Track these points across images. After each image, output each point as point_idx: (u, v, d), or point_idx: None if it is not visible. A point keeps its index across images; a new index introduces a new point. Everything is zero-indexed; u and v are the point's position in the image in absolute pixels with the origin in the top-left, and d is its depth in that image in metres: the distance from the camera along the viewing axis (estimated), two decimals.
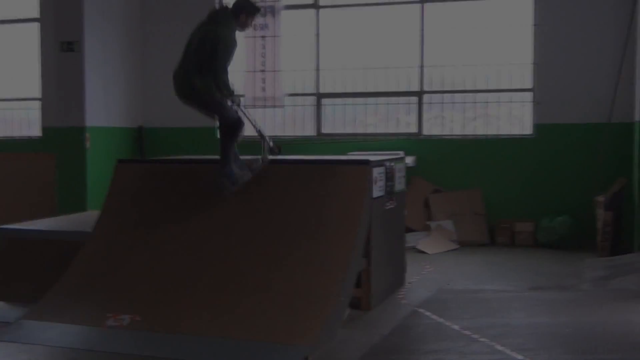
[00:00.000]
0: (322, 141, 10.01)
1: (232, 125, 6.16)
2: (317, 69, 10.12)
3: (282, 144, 9.94)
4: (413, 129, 9.81)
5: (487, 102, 9.58)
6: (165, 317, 5.24)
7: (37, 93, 11.11)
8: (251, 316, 5.12)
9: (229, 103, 6.11)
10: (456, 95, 9.65)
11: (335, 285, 5.26)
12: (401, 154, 8.49)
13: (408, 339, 5.19)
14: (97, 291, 5.69)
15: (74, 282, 5.82)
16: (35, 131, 11.32)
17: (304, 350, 4.69)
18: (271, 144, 6.45)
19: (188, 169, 6.59)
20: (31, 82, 11.17)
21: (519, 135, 9.39)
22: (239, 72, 10.33)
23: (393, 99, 9.91)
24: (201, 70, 5.86)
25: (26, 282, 6.23)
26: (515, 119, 9.53)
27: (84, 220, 7.07)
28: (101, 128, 9.95)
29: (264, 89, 10.17)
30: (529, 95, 9.36)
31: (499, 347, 4.84)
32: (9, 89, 11.44)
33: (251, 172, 6.14)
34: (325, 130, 10.19)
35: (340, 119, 10.19)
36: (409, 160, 8.87)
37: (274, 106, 10.18)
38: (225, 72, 5.91)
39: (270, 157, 6.38)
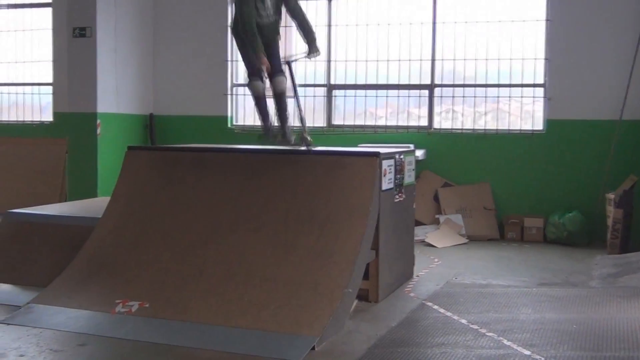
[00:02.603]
0: (333, 132, 10.01)
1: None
2: (329, 60, 10.11)
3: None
4: (424, 122, 9.79)
5: (498, 96, 9.54)
6: (173, 305, 5.26)
7: (49, 78, 11.15)
8: (258, 306, 5.14)
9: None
10: (467, 89, 9.61)
11: (343, 277, 5.27)
12: (411, 147, 8.50)
13: (415, 332, 5.20)
14: (106, 277, 5.72)
15: (83, 267, 5.86)
16: (47, 116, 11.37)
17: (311, 340, 4.71)
18: (308, 137, 6.50)
19: (198, 157, 6.59)
20: (43, 67, 11.21)
21: (530, 130, 9.35)
22: None
23: (404, 92, 9.88)
24: None
25: (35, 266, 6.27)
26: (526, 114, 9.49)
27: (94, 206, 7.10)
28: (112, 114, 9.98)
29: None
30: (540, 91, 9.31)
31: (506, 342, 4.84)
32: (22, 74, 11.48)
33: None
34: (336, 121, 10.18)
35: (351, 111, 10.17)
36: (419, 153, 8.87)
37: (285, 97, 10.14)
38: (243, 19, 6.10)
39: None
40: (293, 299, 5.13)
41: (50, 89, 11.20)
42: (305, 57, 6.41)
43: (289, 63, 6.41)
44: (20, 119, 11.57)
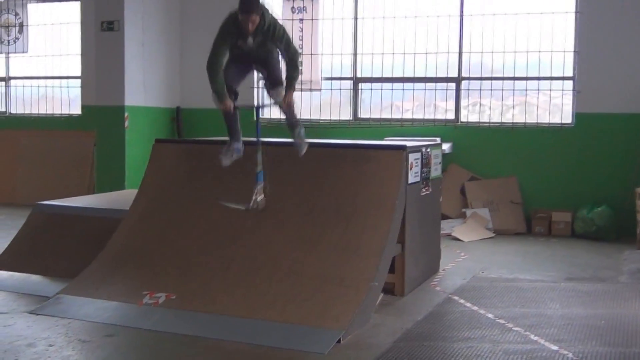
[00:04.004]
0: (359, 126, 9.98)
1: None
2: (355, 53, 10.08)
3: (319, 128, 10.00)
4: (450, 115, 9.72)
5: (526, 89, 9.44)
6: (199, 297, 5.29)
7: (78, 71, 11.26)
8: (284, 299, 5.15)
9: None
10: (495, 82, 9.52)
11: (368, 271, 5.26)
12: (438, 140, 8.45)
13: (441, 326, 5.18)
14: (133, 269, 5.77)
15: (110, 259, 5.91)
16: (76, 109, 11.48)
17: (337, 334, 4.71)
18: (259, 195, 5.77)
19: None
20: (72, 61, 11.32)
21: (559, 124, 9.24)
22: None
23: (431, 85, 9.83)
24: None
25: (64, 257, 6.35)
26: (555, 107, 9.38)
27: (122, 198, 7.16)
28: (139, 107, 10.05)
29: (301, 72, 10.12)
30: (569, 84, 9.20)
31: (533, 337, 4.80)
32: (51, 67, 11.60)
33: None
34: (362, 115, 10.16)
35: (377, 104, 10.14)
36: (446, 146, 8.82)
37: (311, 90, 10.16)
38: (210, 60, 5.53)
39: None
40: (319, 293, 5.14)
41: (78, 82, 11.31)
42: (274, 102, 5.93)
43: (256, 108, 6.07)
44: (49, 111, 11.69)
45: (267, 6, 5.54)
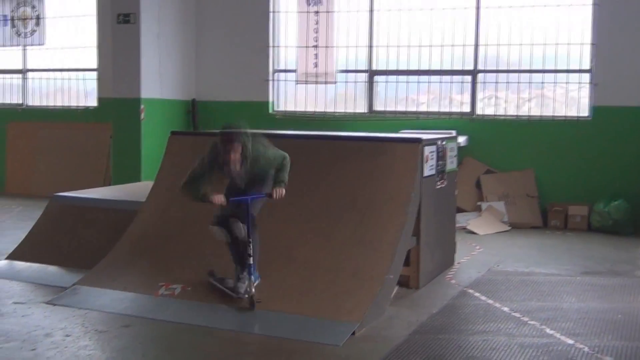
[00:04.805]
0: (374, 118, 9.96)
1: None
2: (370, 46, 10.05)
3: (334, 121, 10.00)
4: (466, 108, 9.68)
5: (543, 82, 9.38)
6: (214, 289, 5.31)
7: (94, 64, 11.31)
8: (299, 291, 5.17)
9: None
10: (511, 75, 9.47)
11: (383, 263, 5.26)
12: (453, 133, 8.42)
13: (456, 319, 5.17)
14: (149, 260, 5.81)
15: (127, 250, 5.95)
16: (92, 101, 11.54)
17: (352, 326, 4.72)
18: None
19: None
20: (88, 53, 11.37)
21: (575, 117, 9.18)
22: (292, 48, 10.36)
23: (446, 78, 9.79)
24: None
25: (81, 248, 6.40)
26: (571, 100, 9.32)
27: (138, 190, 7.20)
28: (155, 100, 10.09)
29: (316, 65, 10.15)
30: (586, 77, 9.13)
31: (549, 331, 4.79)
32: (67, 60, 11.66)
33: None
34: (377, 107, 10.13)
35: (393, 97, 10.11)
36: (461, 139, 8.78)
37: (326, 82, 10.15)
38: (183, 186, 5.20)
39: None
40: (334, 285, 5.15)
41: (94, 74, 11.36)
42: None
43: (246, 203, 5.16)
44: (66, 104, 11.76)
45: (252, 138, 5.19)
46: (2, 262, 6.54)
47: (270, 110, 10.54)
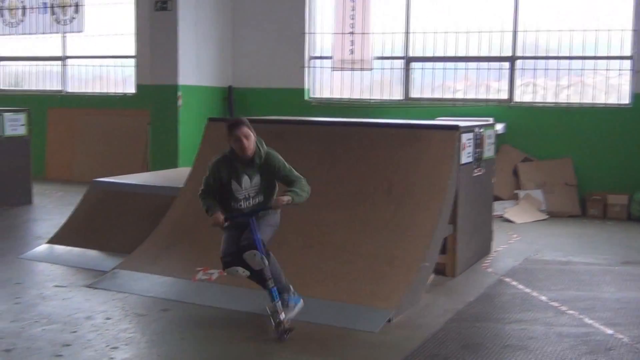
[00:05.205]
0: (410, 105, 9.91)
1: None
2: (407, 32, 9.99)
3: (369, 108, 9.98)
4: (504, 95, 9.58)
5: (582, 69, 9.24)
6: None
7: (132, 51, 11.42)
8: (335, 277, 5.18)
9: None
10: (550, 61, 9.34)
11: (419, 251, 5.25)
12: (491, 120, 8.34)
13: (493, 307, 5.14)
14: (187, 245, 5.87)
15: (165, 235, 6.02)
16: (130, 88, 11.67)
17: (387, 313, 4.72)
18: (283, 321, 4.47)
19: (276, 129, 6.64)
20: (126, 41, 11.49)
21: (616, 104, 9.03)
22: (328, 34, 10.34)
23: (484, 64, 9.69)
24: None
25: (120, 233, 6.48)
26: (611, 87, 9.16)
27: (176, 176, 7.27)
28: (192, 87, 10.16)
29: (352, 52, 10.12)
30: (627, 63, 8.97)
31: (587, 321, 4.74)
32: (106, 47, 11.79)
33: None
34: (413, 94, 10.08)
35: (429, 84, 10.05)
36: (499, 127, 8.70)
37: (362, 69, 10.12)
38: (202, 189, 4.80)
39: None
40: (369, 272, 5.15)
41: (132, 61, 11.47)
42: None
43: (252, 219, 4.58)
44: (104, 90, 11.91)
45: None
46: (43, 246, 6.67)
47: (306, 97, 10.55)
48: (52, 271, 5.97)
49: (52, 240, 6.72)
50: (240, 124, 4.62)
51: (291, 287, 4.72)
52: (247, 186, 4.64)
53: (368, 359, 4.15)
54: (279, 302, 4.49)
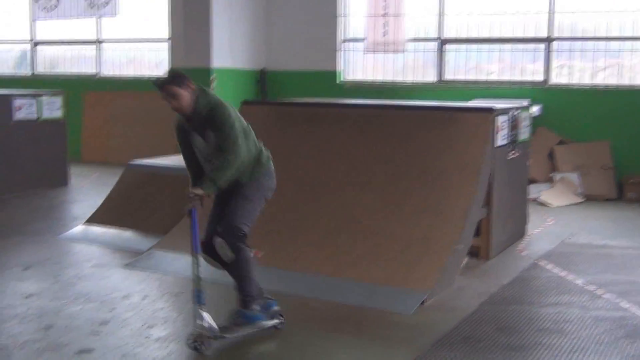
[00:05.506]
0: (443, 87, 9.84)
1: None
2: (441, 14, 9.89)
3: (403, 90, 9.92)
4: (539, 77, 9.45)
5: (619, 51, 9.07)
6: (284, 254, 5.39)
7: (166, 34, 11.48)
8: (368, 259, 5.19)
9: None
10: (587, 42, 9.19)
11: (453, 233, 5.23)
12: (526, 102, 8.25)
13: (528, 291, 5.11)
14: None
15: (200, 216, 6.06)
16: (164, 71, 11.72)
17: (421, 295, 4.72)
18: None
19: (310, 112, 6.65)
20: (160, 24, 11.55)
21: None
22: (361, 17, 10.28)
23: (519, 46, 9.56)
24: None
25: (155, 214, 6.56)
26: None
27: None
28: (226, 69, 10.19)
29: (385, 34, 10.06)
30: None
31: (624, 305, 4.69)
32: (140, 30, 11.87)
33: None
34: (447, 76, 9.99)
35: (463, 66, 9.95)
36: (535, 109, 8.60)
37: (395, 51, 10.06)
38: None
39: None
40: (403, 254, 5.15)
41: (166, 44, 11.54)
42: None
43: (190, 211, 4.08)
44: (139, 73, 12.00)
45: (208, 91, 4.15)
46: (81, 226, 6.78)
47: (339, 80, 10.52)
48: (90, 251, 6.07)
49: (89, 221, 6.83)
50: (165, 84, 3.97)
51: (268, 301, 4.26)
52: (202, 146, 4.06)
53: (402, 340, 4.16)
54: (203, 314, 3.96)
